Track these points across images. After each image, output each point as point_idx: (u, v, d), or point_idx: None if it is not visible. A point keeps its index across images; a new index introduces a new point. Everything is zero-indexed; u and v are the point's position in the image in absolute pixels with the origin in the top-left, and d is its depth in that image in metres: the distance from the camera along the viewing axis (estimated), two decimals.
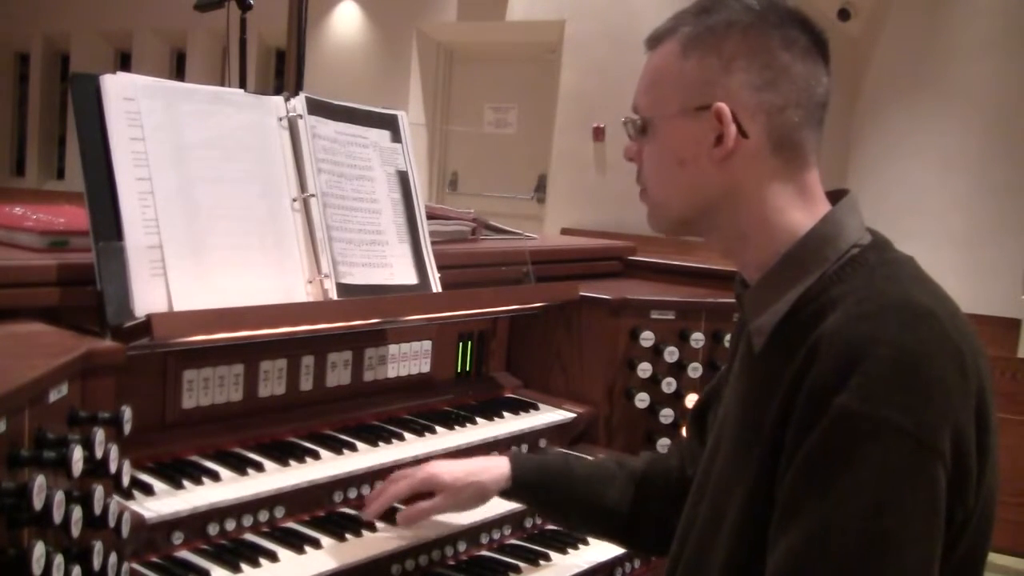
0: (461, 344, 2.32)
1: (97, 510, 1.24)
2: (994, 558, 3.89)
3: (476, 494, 1.74)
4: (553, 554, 1.89)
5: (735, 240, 1.38)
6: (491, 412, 2.18)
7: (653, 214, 1.44)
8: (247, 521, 1.66)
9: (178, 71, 10.19)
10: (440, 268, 2.09)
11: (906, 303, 1.20)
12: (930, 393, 1.14)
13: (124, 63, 10.35)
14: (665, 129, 1.37)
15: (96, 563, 1.25)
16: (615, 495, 1.71)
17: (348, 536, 1.70)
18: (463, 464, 1.77)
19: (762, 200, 1.33)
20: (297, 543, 1.64)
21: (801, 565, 1.15)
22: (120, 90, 1.66)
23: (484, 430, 2.09)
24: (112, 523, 1.28)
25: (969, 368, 1.18)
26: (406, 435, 1.97)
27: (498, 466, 1.74)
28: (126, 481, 1.36)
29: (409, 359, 2.18)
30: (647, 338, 2.27)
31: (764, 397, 1.28)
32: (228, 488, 1.64)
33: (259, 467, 1.72)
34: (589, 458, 1.83)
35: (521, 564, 1.84)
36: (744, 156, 1.32)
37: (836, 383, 1.16)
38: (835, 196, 1.37)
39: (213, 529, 1.61)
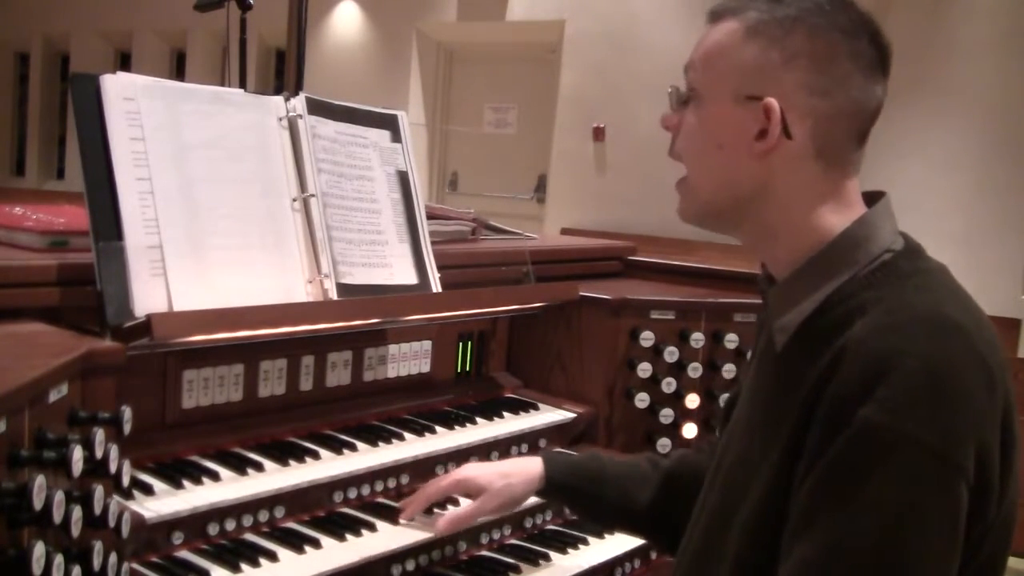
0: (461, 344, 2.32)
1: (97, 510, 1.24)
2: None
3: (512, 496, 1.75)
4: (553, 554, 1.89)
5: (763, 236, 1.35)
6: (491, 412, 2.18)
7: (684, 199, 1.39)
8: (247, 521, 1.66)
9: (178, 71, 10.18)
10: (440, 268, 2.09)
11: (936, 316, 1.18)
12: (956, 408, 1.12)
13: (124, 63, 10.33)
14: (711, 108, 1.32)
15: (96, 563, 1.25)
16: (646, 496, 1.70)
17: (348, 536, 1.70)
18: (497, 466, 1.79)
19: (795, 201, 1.31)
20: (297, 543, 1.64)
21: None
22: (120, 90, 1.66)
23: (484, 430, 2.09)
24: (112, 523, 1.28)
25: (997, 383, 1.17)
26: (406, 435, 1.97)
27: (531, 467, 1.75)
28: (126, 481, 1.36)
29: (409, 359, 2.18)
30: (647, 338, 2.27)
31: (783, 397, 1.26)
32: (228, 488, 1.64)
33: (259, 467, 1.72)
34: (622, 457, 1.82)
35: (521, 564, 1.84)
36: (784, 156, 1.28)
37: (861, 394, 1.13)
38: (870, 196, 1.35)
39: (213, 529, 1.61)
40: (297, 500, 1.73)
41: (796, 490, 1.20)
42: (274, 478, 1.71)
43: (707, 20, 1.36)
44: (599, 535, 1.99)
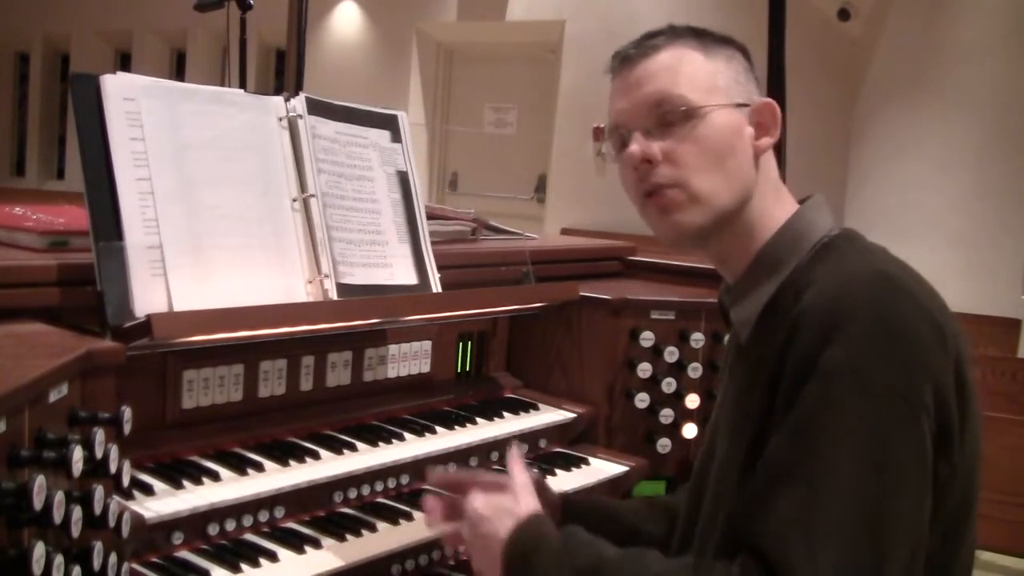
0: (461, 344, 2.32)
1: (97, 510, 1.24)
2: (994, 558, 3.88)
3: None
4: None
5: (737, 237, 1.43)
6: (491, 412, 2.18)
7: (692, 210, 1.40)
8: (247, 521, 1.66)
9: (178, 71, 10.19)
10: (440, 268, 2.09)
11: (878, 273, 1.27)
12: (911, 351, 1.20)
13: (124, 63, 10.35)
14: (716, 120, 1.40)
15: (96, 563, 1.25)
16: (661, 529, 1.65)
17: (348, 536, 1.70)
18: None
19: (763, 195, 1.43)
20: (297, 543, 1.64)
21: (799, 520, 1.17)
22: (120, 90, 1.66)
23: (484, 430, 2.09)
24: (112, 523, 1.28)
25: (946, 332, 1.24)
26: (406, 435, 1.97)
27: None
28: (126, 481, 1.36)
29: (409, 359, 2.18)
30: (647, 338, 2.27)
31: (754, 383, 1.32)
32: (228, 488, 1.64)
33: (259, 467, 1.72)
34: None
35: None
36: (766, 153, 1.43)
37: (820, 344, 1.21)
38: (803, 203, 1.46)
39: (213, 529, 1.61)
40: (297, 500, 1.73)
41: (768, 446, 1.24)
42: (274, 478, 1.71)
43: (642, 56, 1.43)
44: None
